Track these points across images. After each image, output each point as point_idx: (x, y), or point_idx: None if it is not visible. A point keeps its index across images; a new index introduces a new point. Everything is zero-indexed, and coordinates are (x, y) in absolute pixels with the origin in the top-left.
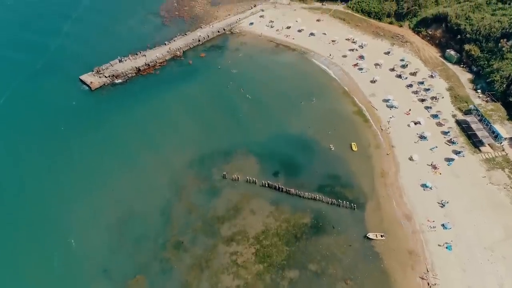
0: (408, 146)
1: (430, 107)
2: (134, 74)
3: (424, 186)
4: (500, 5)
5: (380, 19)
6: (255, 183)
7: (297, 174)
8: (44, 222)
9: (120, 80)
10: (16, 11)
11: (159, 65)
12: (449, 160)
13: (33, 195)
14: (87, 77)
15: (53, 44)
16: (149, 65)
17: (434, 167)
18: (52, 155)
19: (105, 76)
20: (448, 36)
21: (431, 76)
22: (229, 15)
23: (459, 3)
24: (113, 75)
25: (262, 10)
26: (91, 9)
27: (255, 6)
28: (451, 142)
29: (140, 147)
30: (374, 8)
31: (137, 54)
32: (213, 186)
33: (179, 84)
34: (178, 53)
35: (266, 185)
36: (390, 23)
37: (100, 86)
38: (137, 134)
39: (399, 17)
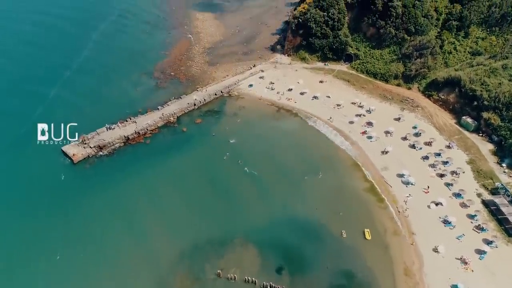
0: (431, 233)
1: (451, 184)
2: (122, 144)
3: None
4: None
5: (387, 81)
6: (255, 283)
7: (304, 270)
8: None
9: (106, 152)
10: (14, 60)
11: (150, 133)
12: (480, 252)
13: None
14: (70, 148)
15: (40, 106)
16: (139, 133)
17: (464, 262)
18: (17, 244)
19: (90, 147)
20: (463, 102)
21: (448, 147)
22: (227, 75)
23: (472, 66)
24: (99, 146)
25: (262, 71)
26: (86, 65)
27: (254, 66)
28: (480, 228)
29: (122, 235)
30: (380, 69)
31: (127, 121)
32: None
33: (170, 156)
34: (172, 118)
35: (268, 287)
36: (398, 85)
37: (84, 158)
38: (118, 219)
39: (407, 79)
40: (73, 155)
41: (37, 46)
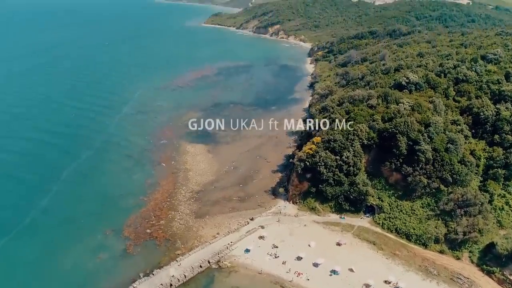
0: None
1: None
2: None
3: None
4: None
5: (425, 245)
6: None
7: None
8: None
9: None
10: None
11: None
12: None
13: None
14: None
15: None
16: None
17: None
18: None
19: None
20: None
21: None
22: (217, 234)
23: None
24: None
25: (262, 227)
26: (39, 221)
27: (252, 219)
28: None
29: None
30: (413, 228)
31: None
32: None
33: None
34: None
35: None
36: (441, 252)
37: None
38: None
39: (453, 244)
40: None
41: None
